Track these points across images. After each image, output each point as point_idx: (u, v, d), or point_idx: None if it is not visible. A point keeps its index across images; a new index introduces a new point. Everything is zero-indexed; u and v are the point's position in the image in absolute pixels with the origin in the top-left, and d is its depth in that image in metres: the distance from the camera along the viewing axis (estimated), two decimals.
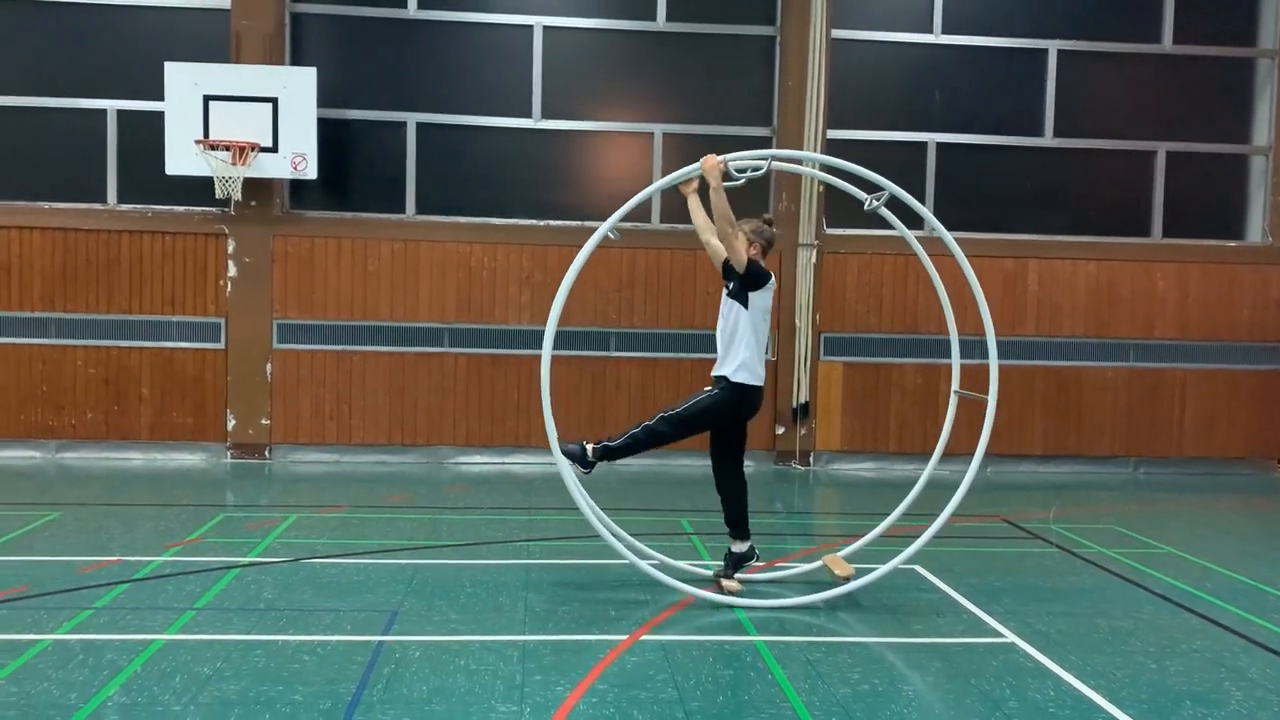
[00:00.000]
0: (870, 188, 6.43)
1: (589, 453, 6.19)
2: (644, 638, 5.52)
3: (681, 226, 11.47)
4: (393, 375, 11.14)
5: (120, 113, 10.93)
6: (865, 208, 6.46)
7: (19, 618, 5.59)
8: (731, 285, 6.28)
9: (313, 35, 11.20)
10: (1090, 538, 8.33)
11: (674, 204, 11.55)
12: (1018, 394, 11.60)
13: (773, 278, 6.31)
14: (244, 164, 10.25)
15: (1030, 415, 11.67)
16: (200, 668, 4.90)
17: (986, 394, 6.54)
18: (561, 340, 11.30)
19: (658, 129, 11.50)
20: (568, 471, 6.07)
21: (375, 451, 11.07)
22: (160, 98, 10.53)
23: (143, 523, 7.96)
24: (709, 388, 6.38)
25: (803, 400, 11.33)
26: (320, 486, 9.89)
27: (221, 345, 10.93)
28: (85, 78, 10.93)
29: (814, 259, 11.28)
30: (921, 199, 11.68)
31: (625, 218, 11.26)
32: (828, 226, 11.39)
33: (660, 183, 6.45)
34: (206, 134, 10.29)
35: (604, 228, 6.18)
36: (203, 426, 10.93)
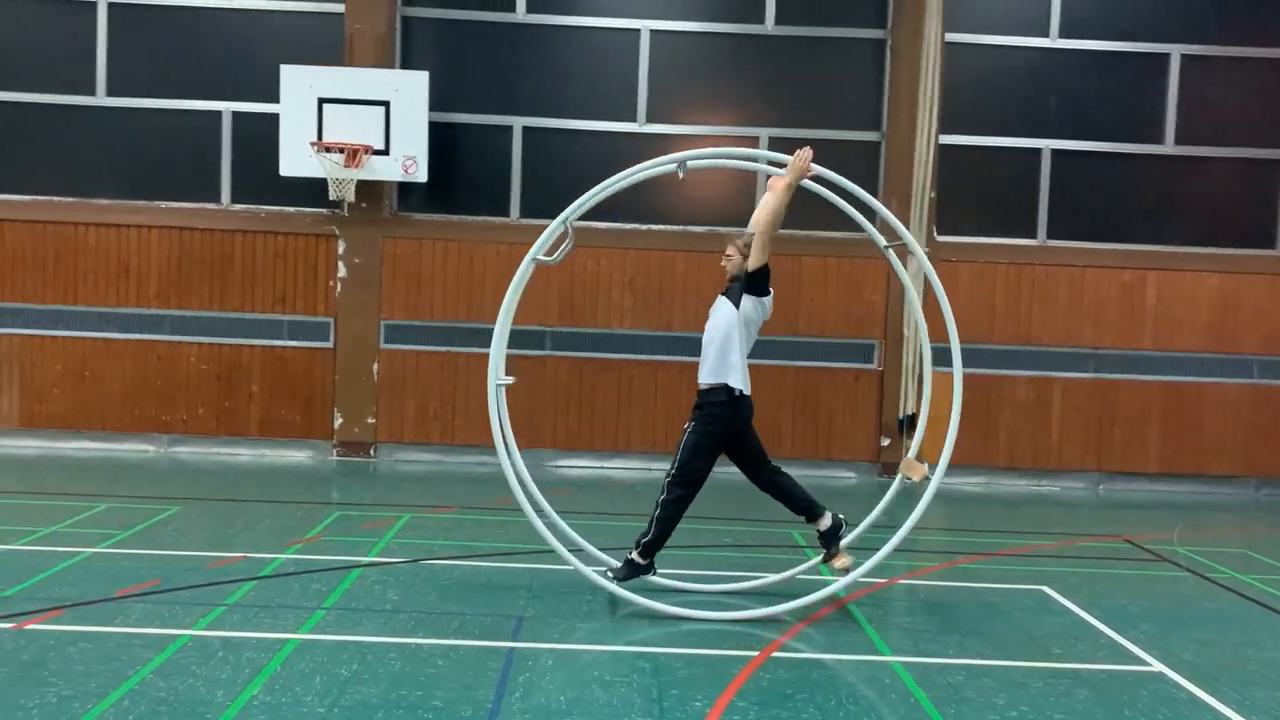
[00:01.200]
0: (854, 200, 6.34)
1: (639, 563, 6.09)
2: (776, 655, 5.40)
3: (784, 232, 11.32)
4: None
5: (235, 114, 11.15)
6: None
7: (156, 612, 5.67)
8: (732, 287, 6.19)
9: (422, 38, 11.31)
10: (1220, 561, 7.99)
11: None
12: (1134, 409, 11.22)
13: (771, 296, 6.23)
14: (357, 166, 10.36)
15: (1145, 432, 11.26)
16: (338, 669, 4.91)
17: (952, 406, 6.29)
18: (664, 345, 11.34)
19: (764, 133, 11.36)
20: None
21: (477, 453, 11.10)
22: (273, 100, 10.72)
23: (261, 519, 8.07)
24: (687, 424, 6.14)
25: (909, 411, 11.09)
26: (427, 486, 9.95)
27: (330, 344, 11.07)
28: (201, 80, 11.16)
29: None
30: (1035, 207, 11.41)
31: (722, 222, 11.31)
32: (939, 234, 11.15)
33: (646, 169, 6.31)
34: (320, 136, 10.43)
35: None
36: (310, 424, 11.09)
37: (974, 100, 11.35)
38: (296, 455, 11.08)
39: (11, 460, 10.49)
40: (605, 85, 11.39)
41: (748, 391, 6.12)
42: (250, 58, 11.17)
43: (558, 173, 11.36)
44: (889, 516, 6.84)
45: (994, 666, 5.38)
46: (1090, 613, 6.41)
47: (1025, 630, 6.03)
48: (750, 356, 10.99)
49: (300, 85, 10.46)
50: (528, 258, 6.20)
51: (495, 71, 11.33)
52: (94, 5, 11.10)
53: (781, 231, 11.09)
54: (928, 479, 6.05)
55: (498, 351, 6.21)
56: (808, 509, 6.32)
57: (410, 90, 10.50)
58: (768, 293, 6.12)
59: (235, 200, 11.18)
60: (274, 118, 10.75)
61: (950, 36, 11.09)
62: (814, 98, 11.45)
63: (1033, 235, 11.42)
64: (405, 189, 11.20)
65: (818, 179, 6.21)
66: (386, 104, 10.48)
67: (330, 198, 10.52)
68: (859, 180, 11.34)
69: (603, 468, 11.21)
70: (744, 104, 11.46)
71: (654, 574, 6.29)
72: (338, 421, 11.07)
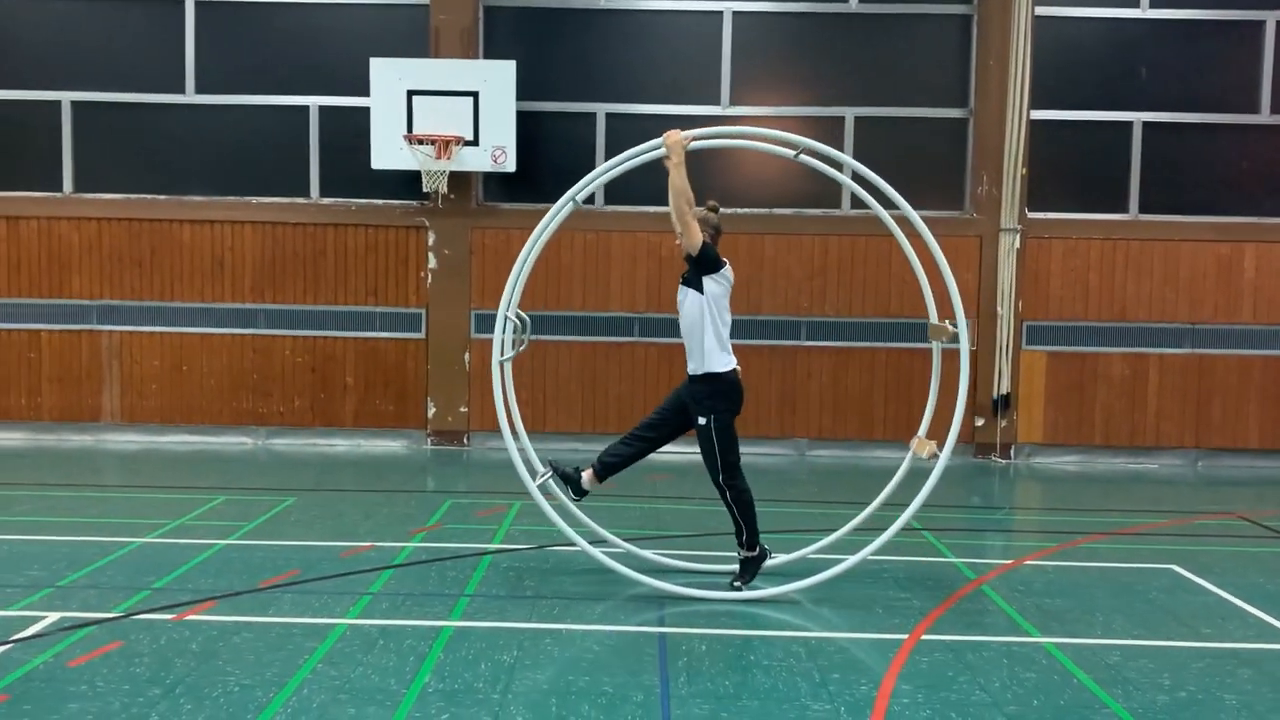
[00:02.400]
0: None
1: (751, 557, 6.12)
2: (925, 637, 5.38)
3: (871, 212, 11.25)
4: (584, 365, 11.22)
5: (322, 109, 11.24)
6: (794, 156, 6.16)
7: (305, 601, 5.77)
8: (687, 272, 6.08)
9: (503, 28, 11.32)
10: None
11: (868, 188, 11.33)
12: (1233, 384, 11.04)
13: (728, 266, 6.10)
14: (448, 158, 10.42)
15: (1245, 407, 11.06)
16: (499, 655, 4.97)
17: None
18: (752, 329, 11.31)
19: (849, 112, 11.27)
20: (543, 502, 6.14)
21: (568, 439, 11.14)
22: (358, 93, 10.80)
23: (376, 509, 8.17)
24: (700, 418, 6.10)
25: (1004, 391, 10.99)
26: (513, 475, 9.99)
27: (422, 335, 11.17)
28: (287, 75, 11.26)
29: (1016, 244, 10.91)
30: (1126, 181, 11.23)
31: (811, 204, 11.24)
32: (1031, 210, 11.01)
33: (626, 159, 6.25)
34: (410, 128, 10.49)
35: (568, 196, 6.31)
36: (404, 414, 11.20)
37: (1063, 74, 11.17)
38: (391, 445, 11.20)
39: (114, 454, 10.71)
40: (688, 69, 11.35)
41: (734, 365, 6.10)
42: (335, 52, 11.25)
43: None
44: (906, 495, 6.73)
45: (1148, 647, 5.33)
46: (1228, 591, 6.33)
47: (1167, 609, 5.96)
48: (843, 339, 11.19)
49: (389, 78, 10.52)
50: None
51: (577, 58, 11.32)
52: (181, 3, 11.24)
53: (867, 211, 11.10)
54: (936, 456, 5.99)
55: (501, 331, 6.42)
56: (604, 467, 6.31)
57: (498, 80, 10.53)
58: (722, 264, 6.05)
59: (324, 194, 11.29)
60: (360, 111, 10.83)
61: (1040, 10, 10.92)
62: (898, 76, 11.33)
63: (1125, 210, 11.24)
64: (490, 179, 11.25)
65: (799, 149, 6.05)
66: (475, 94, 10.51)
67: (424, 190, 10.58)
68: (946, 158, 11.41)
69: (694, 453, 11.18)
70: (828, 84, 11.36)
71: (771, 556, 6.33)
72: (431, 411, 11.18)
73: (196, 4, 11.23)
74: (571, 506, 6.42)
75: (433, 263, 11.11)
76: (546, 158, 11.39)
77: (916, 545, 7.33)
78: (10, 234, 11.12)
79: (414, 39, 11.08)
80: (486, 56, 11.14)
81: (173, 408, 11.20)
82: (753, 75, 11.32)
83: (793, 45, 11.39)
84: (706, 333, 6.01)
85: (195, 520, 7.66)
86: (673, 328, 11.27)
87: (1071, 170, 11.20)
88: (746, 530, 6.13)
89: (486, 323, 11.18)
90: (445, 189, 10.57)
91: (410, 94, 10.50)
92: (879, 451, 10.96)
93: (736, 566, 6.20)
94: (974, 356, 11.05)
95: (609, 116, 11.27)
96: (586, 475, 6.30)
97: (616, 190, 11.27)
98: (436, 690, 4.54)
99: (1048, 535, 8.00)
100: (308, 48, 11.32)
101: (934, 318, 6.55)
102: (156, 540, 7.04)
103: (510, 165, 10.63)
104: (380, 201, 11.17)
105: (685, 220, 5.90)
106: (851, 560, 6.17)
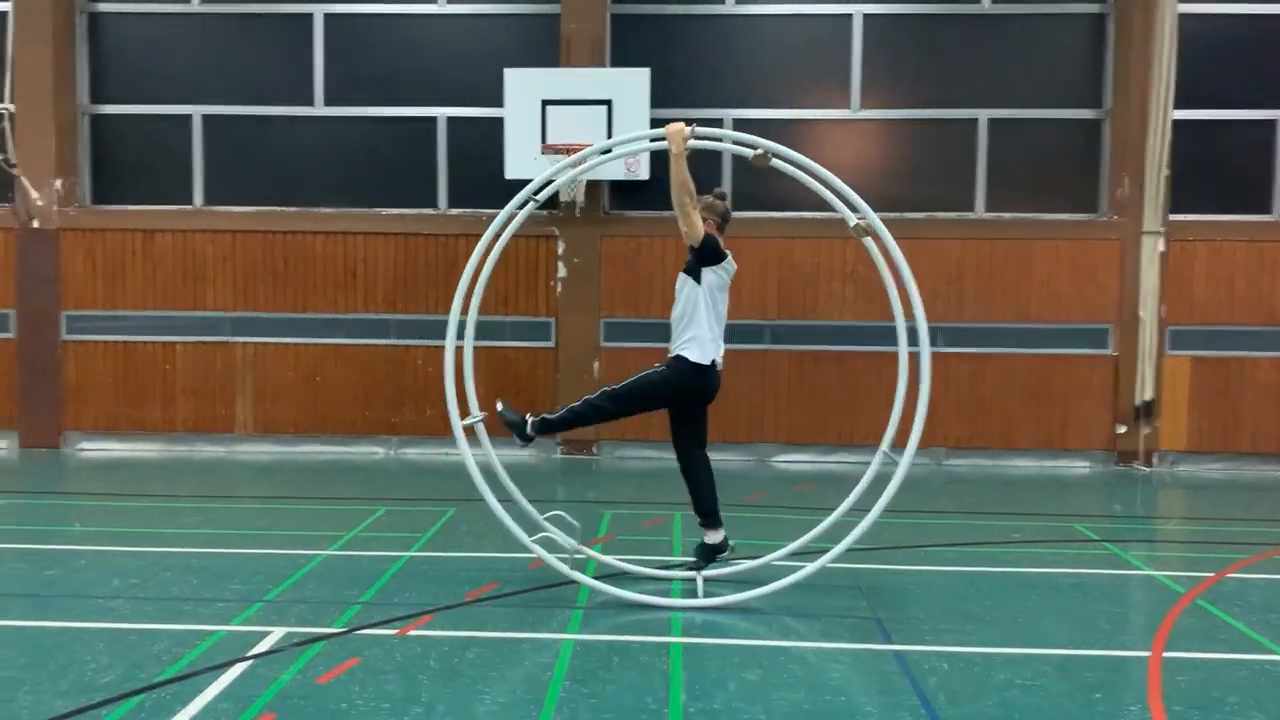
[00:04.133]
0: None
1: (528, 425, 6.19)
2: (1168, 655, 5.21)
3: (1008, 215, 11.08)
4: None
5: (449, 119, 11.27)
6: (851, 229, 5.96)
7: (518, 615, 5.72)
8: (688, 261, 6.05)
9: (631, 35, 11.28)
10: None
11: (1002, 190, 11.17)
12: None
13: (730, 258, 6.03)
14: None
15: None
16: (744, 673, 4.87)
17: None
18: (888, 336, 11.12)
19: (981, 114, 11.10)
20: (467, 450, 6.18)
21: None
22: (483, 103, 10.84)
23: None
24: (658, 364, 6.11)
25: (1147, 397, 10.73)
26: (663, 483, 9.90)
27: (552, 344, 11.15)
28: (415, 86, 11.31)
29: (1160, 247, 10.66)
30: (1271, 181, 10.93)
31: (940, 207, 11.06)
32: (1175, 213, 10.75)
33: (619, 144, 6.66)
34: (544, 138, 10.48)
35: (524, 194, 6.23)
36: None
37: (1203, 73, 10.92)
38: (521, 454, 11.15)
39: (250, 465, 10.78)
40: (816, 73, 11.25)
41: (707, 362, 6.01)
42: (462, 62, 11.29)
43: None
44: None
45: None
46: None
47: None
48: (979, 345, 10.98)
49: (523, 88, 10.52)
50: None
51: (704, 64, 11.26)
52: (310, 16, 11.33)
53: (1009, 215, 10.95)
54: (867, 230, 5.81)
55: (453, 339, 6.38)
56: (710, 514, 6.21)
57: (632, 88, 10.48)
58: (723, 256, 6.02)
59: (451, 205, 11.31)
60: (485, 121, 10.88)
61: (1183, 8, 10.68)
62: (1030, 77, 11.14)
63: (1269, 210, 10.95)
64: (617, 187, 11.20)
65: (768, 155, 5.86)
66: (608, 103, 10.47)
67: (561, 199, 10.56)
68: (1082, 159, 11.17)
69: (826, 462, 11.08)
70: (959, 85, 11.20)
71: (524, 446, 6.39)
72: None
73: (325, 16, 11.32)
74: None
75: (562, 271, 11.08)
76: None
77: (1105, 558, 7.16)
78: (146, 247, 11.26)
79: (544, 48, 11.08)
80: (614, 64, 11.11)
81: (305, 418, 11.27)
82: (883, 78, 11.18)
83: (924, 47, 11.24)
84: (696, 323, 5.99)
85: (366, 532, 7.67)
86: (805, 334, 11.24)
87: (1214, 171, 10.93)
88: (556, 419, 6.23)
89: (616, 331, 11.15)
90: (583, 199, 10.54)
91: (545, 103, 10.49)
92: (1022, 460, 10.77)
93: (529, 420, 6.29)
94: (1116, 362, 10.84)
95: (736, 122, 11.18)
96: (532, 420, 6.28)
97: (744, 196, 11.19)
98: (699, 711, 4.45)
99: (1234, 547, 7.75)
100: (434, 59, 11.36)
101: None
102: (339, 553, 7.05)
103: (644, 174, 10.58)
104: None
105: (686, 211, 5.88)
106: (811, 567, 5.98)
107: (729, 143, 6.38)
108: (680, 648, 5.23)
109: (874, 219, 5.82)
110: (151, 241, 11.25)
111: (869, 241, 6.11)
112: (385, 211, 11.26)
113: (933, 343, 10.97)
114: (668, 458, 11.03)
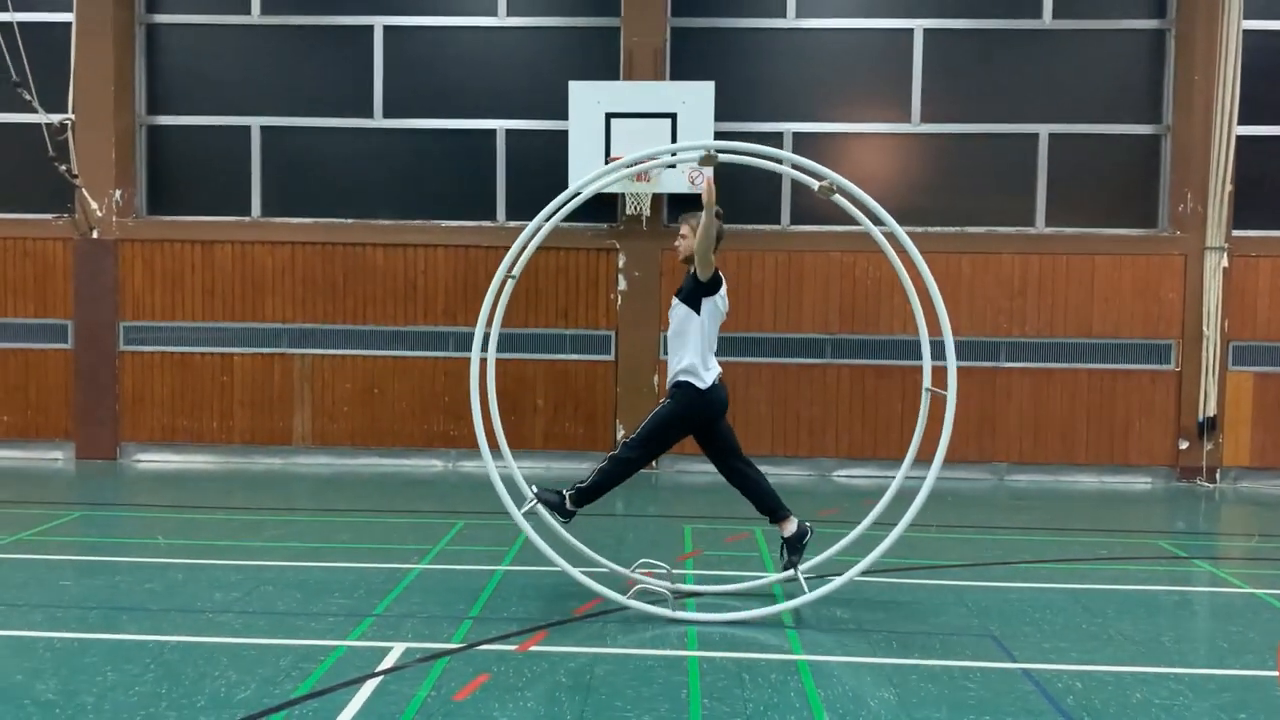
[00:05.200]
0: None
1: (566, 500, 6.19)
2: None
3: (1069, 230, 11.08)
4: (775, 386, 11.11)
5: (508, 132, 11.28)
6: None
7: (634, 630, 5.69)
8: (684, 289, 6.19)
9: (691, 48, 11.29)
10: None
11: (1062, 205, 11.16)
12: None
13: (724, 286, 6.25)
14: (647, 180, 10.38)
15: None
16: (880, 691, 4.85)
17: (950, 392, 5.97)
18: (944, 350, 11.11)
19: (1042, 129, 11.11)
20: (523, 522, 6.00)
21: (759, 462, 10.98)
22: (542, 116, 10.87)
23: (623, 533, 8.12)
24: (664, 399, 6.25)
25: (1209, 413, 10.71)
26: (731, 495, 9.88)
27: (611, 357, 11.13)
28: (473, 99, 11.32)
29: (1223, 262, 10.65)
30: None
31: (1000, 222, 11.05)
32: (1237, 228, 10.75)
33: (646, 156, 6.59)
34: (608, 151, 10.48)
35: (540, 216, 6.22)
36: (593, 437, 11.15)
37: (1267, 89, 10.93)
38: (579, 467, 11.09)
39: (310, 478, 10.75)
40: (877, 86, 11.26)
41: (711, 383, 6.16)
42: (521, 75, 11.30)
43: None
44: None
45: None
46: None
47: None
48: (1043, 360, 10.97)
49: (588, 101, 10.52)
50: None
51: (764, 77, 11.27)
52: (370, 29, 11.35)
53: (1070, 230, 10.94)
54: (830, 190, 5.93)
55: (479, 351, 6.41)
56: (773, 510, 6.31)
57: (697, 100, 10.48)
58: (719, 287, 6.19)
59: (509, 217, 11.31)
60: (543, 134, 10.91)
61: (1248, 24, 10.69)
62: (1091, 92, 11.14)
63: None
64: (677, 200, 11.19)
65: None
66: (673, 116, 10.48)
67: (627, 212, 10.57)
68: (1142, 174, 11.17)
69: (887, 476, 11.02)
70: (1018, 100, 11.20)
71: (565, 524, 6.27)
72: (619, 433, 11.11)
73: (385, 29, 11.34)
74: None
75: (622, 285, 11.08)
76: (733, 177, 11.26)
77: (1200, 575, 7.13)
78: (205, 259, 11.25)
79: (604, 61, 11.10)
80: (674, 78, 11.12)
81: (364, 430, 11.25)
82: (944, 92, 11.19)
83: (984, 62, 11.25)
84: (690, 348, 6.11)
85: (453, 546, 7.64)
86: (867, 349, 11.22)
87: (1277, 187, 10.93)
88: (588, 485, 6.18)
89: None
90: (649, 211, 10.54)
91: (609, 116, 10.50)
92: (1083, 476, 10.74)
93: (567, 496, 6.22)
94: (1179, 378, 10.82)
95: (796, 135, 11.19)
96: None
97: (804, 210, 11.21)
98: None
99: (1217, 561, 7.75)
100: (493, 71, 11.37)
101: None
102: (434, 566, 7.03)
103: None
104: (569, 224, 11.12)
105: (708, 259, 6.06)
106: (840, 580, 6.12)
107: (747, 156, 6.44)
108: (807, 665, 5.20)
109: (876, 220, 5.83)
110: (210, 252, 11.25)
111: (893, 255, 6.20)
112: (444, 224, 11.26)
113: (994, 358, 11.08)
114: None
